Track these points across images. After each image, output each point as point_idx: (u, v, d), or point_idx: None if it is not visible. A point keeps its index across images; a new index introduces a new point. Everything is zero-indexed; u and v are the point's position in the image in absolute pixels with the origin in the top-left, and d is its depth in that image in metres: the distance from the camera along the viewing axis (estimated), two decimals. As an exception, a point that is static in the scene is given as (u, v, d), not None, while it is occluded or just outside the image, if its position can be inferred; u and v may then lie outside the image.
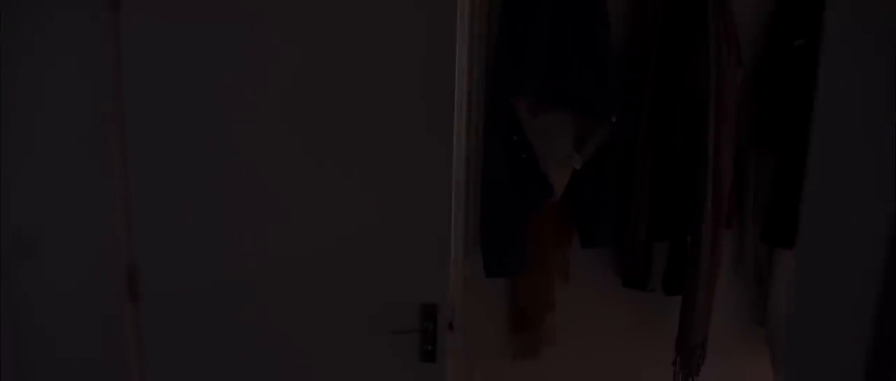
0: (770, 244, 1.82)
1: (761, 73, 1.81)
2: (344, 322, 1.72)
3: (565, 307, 1.82)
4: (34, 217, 1.73)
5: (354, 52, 1.58)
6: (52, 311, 1.79)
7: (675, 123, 1.69)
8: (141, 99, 1.64)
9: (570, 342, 1.87)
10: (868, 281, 0.59)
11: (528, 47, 1.53)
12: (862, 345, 0.60)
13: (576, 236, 1.76)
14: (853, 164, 0.62)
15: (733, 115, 1.72)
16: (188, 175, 1.67)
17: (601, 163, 1.67)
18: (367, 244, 1.67)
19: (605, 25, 1.59)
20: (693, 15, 1.66)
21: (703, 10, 1.65)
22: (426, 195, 1.64)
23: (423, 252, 1.67)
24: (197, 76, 1.62)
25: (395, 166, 1.63)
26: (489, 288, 1.79)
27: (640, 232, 1.72)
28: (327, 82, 1.61)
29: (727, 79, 1.69)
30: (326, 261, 1.69)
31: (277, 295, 1.72)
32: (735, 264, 1.89)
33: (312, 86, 1.61)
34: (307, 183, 1.66)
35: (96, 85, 1.63)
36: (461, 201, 1.71)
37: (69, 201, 1.72)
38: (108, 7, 1.62)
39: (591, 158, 1.65)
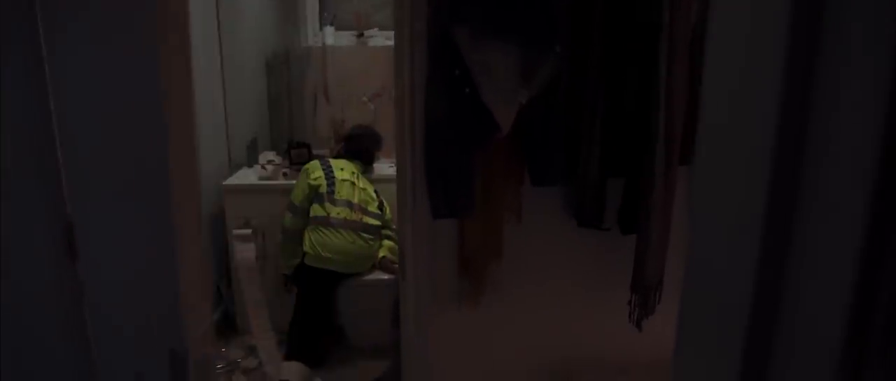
0: (727, 181, 1.77)
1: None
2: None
3: (517, 248, 1.78)
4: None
5: None
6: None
7: (626, 58, 1.63)
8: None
9: (523, 284, 1.83)
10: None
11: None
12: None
13: (527, 174, 1.71)
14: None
15: (686, 48, 1.65)
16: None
17: (550, 98, 1.60)
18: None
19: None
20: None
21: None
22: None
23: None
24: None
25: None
26: (437, 231, 1.74)
27: (592, 170, 1.67)
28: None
29: (680, 12, 1.62)
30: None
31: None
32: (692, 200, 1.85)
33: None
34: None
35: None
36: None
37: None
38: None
39: (540, 93, 1.59)
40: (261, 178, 3.53)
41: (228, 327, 3.56)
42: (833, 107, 0.50)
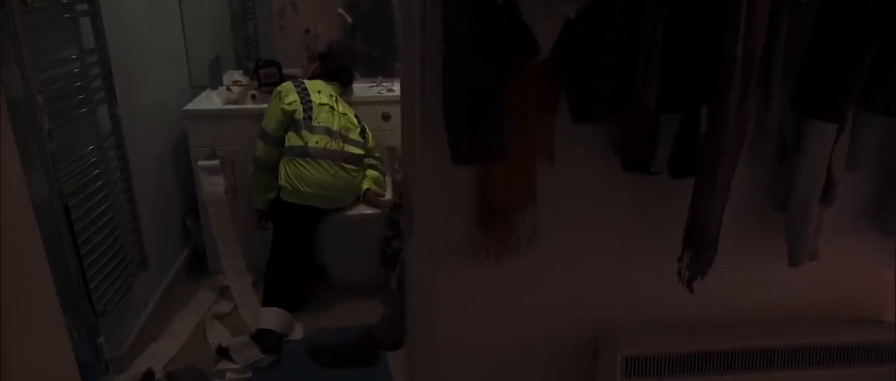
0: (802, 113, 1.47)
1: None
2: None
3: (550, 196, 1.48)
4: None
5: None
6: None
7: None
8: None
9: (555, 237, 1.54)
10: None
11: None
12: None
13: (564, 107, 1.39)
14: None
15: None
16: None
17: (603, 11, 1.26)
18: None
19: None
20: None
21: None
22: None
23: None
24: None
25: None
26: (450, 173, 1.42)
27: (649, 100, 1.35)
28: None
29: None
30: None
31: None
32: (754, 138, 1.55)
33: None
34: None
35: None
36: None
37: None
38: None
39: (590, 5, 1.25)
40: (226, 101, 3.14)
41: (198, 266, 3.25)
42: None
